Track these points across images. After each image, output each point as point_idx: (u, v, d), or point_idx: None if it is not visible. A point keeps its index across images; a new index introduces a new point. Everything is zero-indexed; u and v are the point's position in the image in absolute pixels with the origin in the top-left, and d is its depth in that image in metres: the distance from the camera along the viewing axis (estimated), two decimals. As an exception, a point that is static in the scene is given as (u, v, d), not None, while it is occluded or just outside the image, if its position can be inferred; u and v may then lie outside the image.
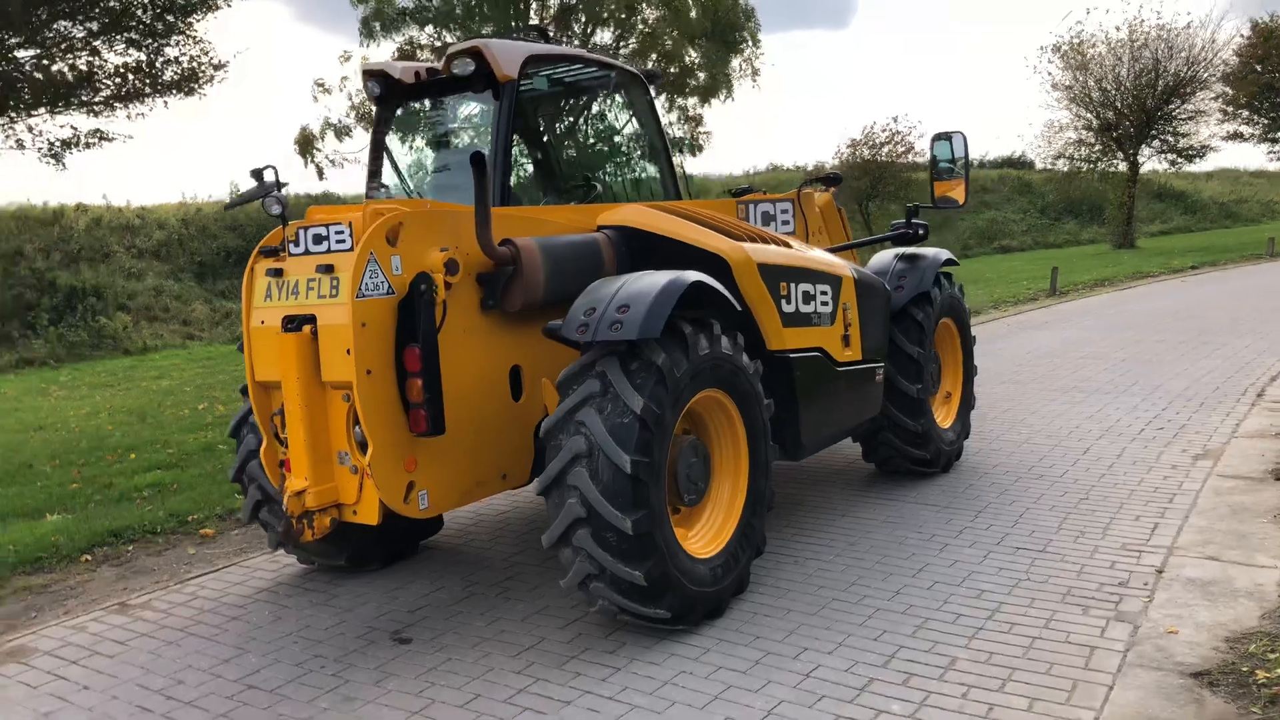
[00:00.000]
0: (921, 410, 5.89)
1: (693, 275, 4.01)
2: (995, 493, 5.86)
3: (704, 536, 4.27)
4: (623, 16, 18.76)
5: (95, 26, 12.21)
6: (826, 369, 5.12)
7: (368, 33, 17.09)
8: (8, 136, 11.65)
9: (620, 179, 6.39)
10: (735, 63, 18.95)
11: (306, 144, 16.95)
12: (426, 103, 5.64)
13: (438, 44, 17.65)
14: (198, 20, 12.27)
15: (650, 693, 3.59)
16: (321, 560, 4.98)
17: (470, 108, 5.76)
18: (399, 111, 5.50)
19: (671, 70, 19.10)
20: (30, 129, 11.86)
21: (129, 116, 12.04)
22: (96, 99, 12.02)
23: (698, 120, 20.05)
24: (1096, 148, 31.93)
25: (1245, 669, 3.54)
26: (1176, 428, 7.25)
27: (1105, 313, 14.88)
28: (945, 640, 3.90)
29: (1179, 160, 32.41)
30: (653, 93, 6.10)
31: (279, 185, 3.90)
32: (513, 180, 5.29)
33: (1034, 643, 3.85)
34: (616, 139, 6.36)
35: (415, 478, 3.96)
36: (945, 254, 6.31)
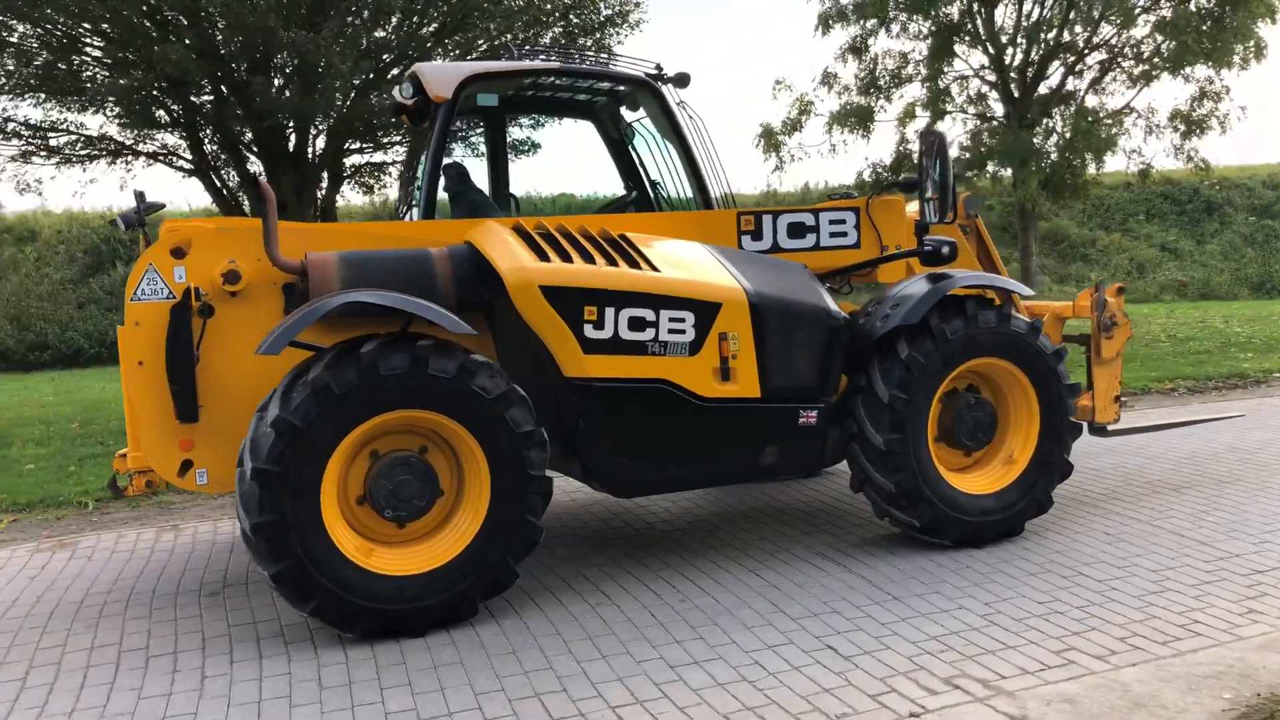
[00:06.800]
0: (898, 465, 4.88)
1: (347, 297, 4.07)
2: (972, 581, 4.64)
3: (418, 556, 4.27)
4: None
5: None
6: (675, 403, 4.60)
7: (824, 27, 17.23)
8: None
9: (650, 187, 6.21)
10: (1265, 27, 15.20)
11: (769, 136, 17.70)
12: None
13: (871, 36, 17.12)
14: (611, 37, 13.79)
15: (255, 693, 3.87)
16: None
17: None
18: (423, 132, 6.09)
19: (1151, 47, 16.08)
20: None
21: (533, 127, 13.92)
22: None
23: (1217, 96, 16.53)
24: None
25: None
26: None
27: None
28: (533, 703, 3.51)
29: None
30: (672, 96, 5.85)
31: (139, 208, 4.84)
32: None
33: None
34: (634, 148, 6.18)
35: (193, 456, 4.62)
36: (972, 277, 5.06)
